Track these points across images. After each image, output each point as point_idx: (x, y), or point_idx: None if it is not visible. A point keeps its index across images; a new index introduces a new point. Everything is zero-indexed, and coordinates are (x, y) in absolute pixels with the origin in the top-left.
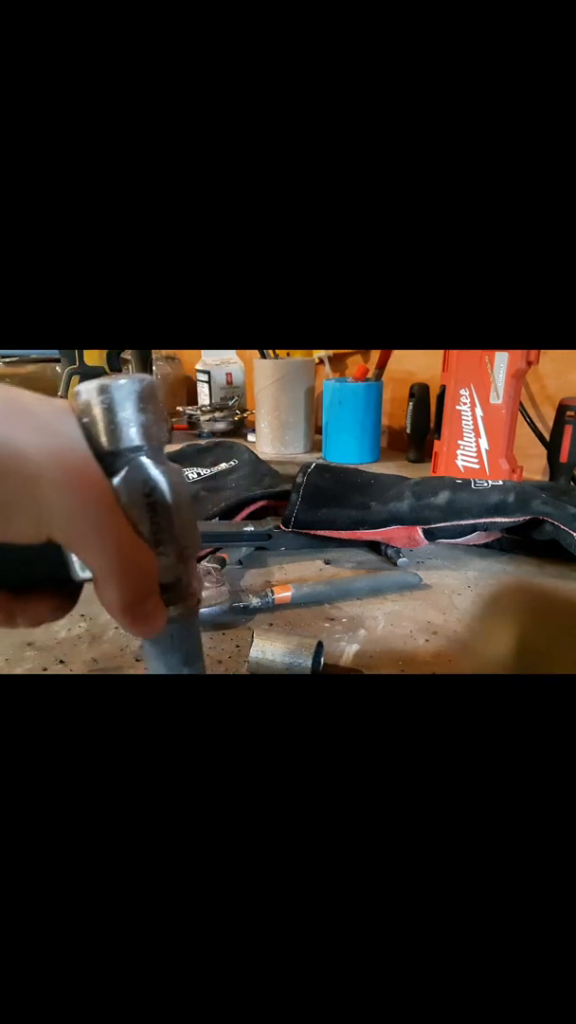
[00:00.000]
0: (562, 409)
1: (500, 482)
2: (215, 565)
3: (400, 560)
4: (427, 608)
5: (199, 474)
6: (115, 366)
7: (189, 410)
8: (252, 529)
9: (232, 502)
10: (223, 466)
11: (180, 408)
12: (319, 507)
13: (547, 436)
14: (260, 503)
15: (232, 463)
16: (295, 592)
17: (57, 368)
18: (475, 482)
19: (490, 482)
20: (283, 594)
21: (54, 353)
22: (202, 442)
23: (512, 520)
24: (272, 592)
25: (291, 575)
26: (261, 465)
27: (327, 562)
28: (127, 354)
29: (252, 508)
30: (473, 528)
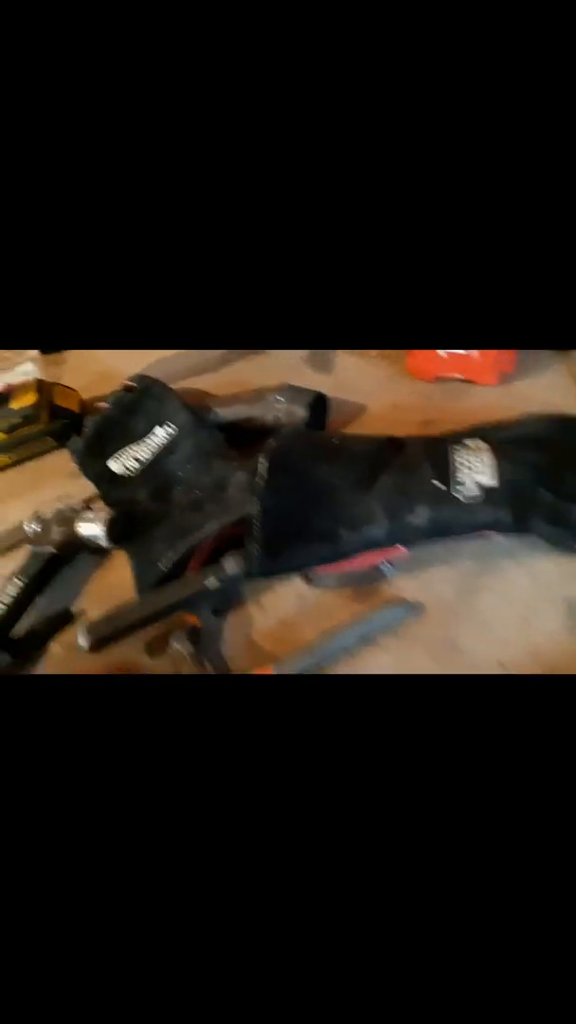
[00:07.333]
0: None
1: (490, 482)
2: (189, 647)
3: (386, 567)
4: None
5: (138, 461)
6: None
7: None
8: (214, 585)
9: (181, 552)
10: (160, 435)
11: None
12: (280, 550)
13: None
14: (211, 542)
15: (169, 430)
16: (276, 671)
17: None
18: (455, 487)
19: (477, 486)
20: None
21: None
22: (122, 394)
23: (508, 533)
24: None
25: (268, 608)
26: (202, 432)
27: (308, 580)
28: None
29: (206, 550)
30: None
